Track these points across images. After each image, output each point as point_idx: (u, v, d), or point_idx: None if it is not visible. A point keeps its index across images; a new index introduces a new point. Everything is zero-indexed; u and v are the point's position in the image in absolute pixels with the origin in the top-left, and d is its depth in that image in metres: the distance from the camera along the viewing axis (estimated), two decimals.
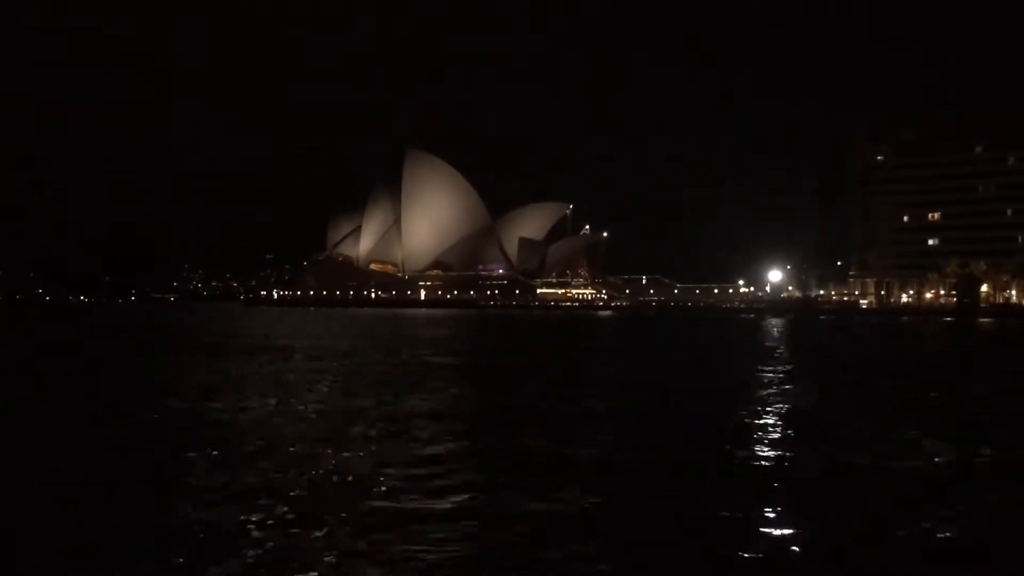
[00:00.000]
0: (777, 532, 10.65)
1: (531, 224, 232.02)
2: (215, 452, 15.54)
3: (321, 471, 13.76)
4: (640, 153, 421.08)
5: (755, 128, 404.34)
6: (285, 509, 11.46)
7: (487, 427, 19.18)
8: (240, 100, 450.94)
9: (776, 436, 17.79)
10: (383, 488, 12.66)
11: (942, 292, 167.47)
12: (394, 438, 17.21)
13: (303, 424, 19.07)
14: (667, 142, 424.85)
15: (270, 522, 10.85)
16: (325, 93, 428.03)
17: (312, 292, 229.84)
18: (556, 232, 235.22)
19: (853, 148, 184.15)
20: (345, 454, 15.38)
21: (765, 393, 25.44)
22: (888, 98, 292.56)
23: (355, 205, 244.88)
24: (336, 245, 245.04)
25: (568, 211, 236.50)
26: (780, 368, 34.88)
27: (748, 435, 17.70)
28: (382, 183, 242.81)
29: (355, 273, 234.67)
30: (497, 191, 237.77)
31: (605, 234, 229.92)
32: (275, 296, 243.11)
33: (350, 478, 13.43)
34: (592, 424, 19.57)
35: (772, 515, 11.38)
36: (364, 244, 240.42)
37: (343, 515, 11.11)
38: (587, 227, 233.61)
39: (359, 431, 18.10)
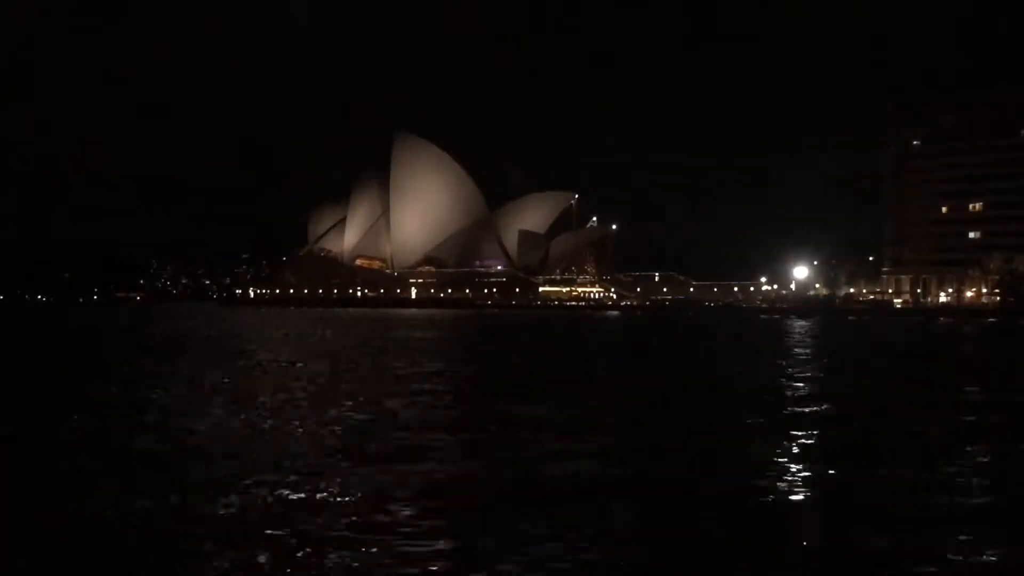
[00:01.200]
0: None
1: (532, 216, 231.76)
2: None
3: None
4: (652, 139, 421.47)
5: (781, 113, 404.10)
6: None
7: (483, 453, 19.09)
8: (233, 90, 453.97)
9: (798, 466, 17.72)
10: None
11: (984, 290, 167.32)
12: (366, 464, 17.07)
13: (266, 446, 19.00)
14: (682, 127, 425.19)
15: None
16: (325, 93, 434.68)
17: (292, 290, 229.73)
18: (560, 224, 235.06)
19: (888, 134, 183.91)
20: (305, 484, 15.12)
21: (785, 410, 25.33)
22: (925, 82, 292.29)
23: (339, 195, 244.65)
24: (318, 239, 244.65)
25: (573, 201, 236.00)
26: (802, 380, 34.76)
27: (767, 461, 17.62)
28: (369, 170, 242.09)
29: (339, 270, 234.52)
30: (495, 178, 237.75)
31: (614, 226, 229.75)
32: (252, 295, 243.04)
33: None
34: (600, 442, 19.44)
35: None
36: (349, 238, 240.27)
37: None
38: (594, 219, 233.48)
39: (324, 458, 17.92)
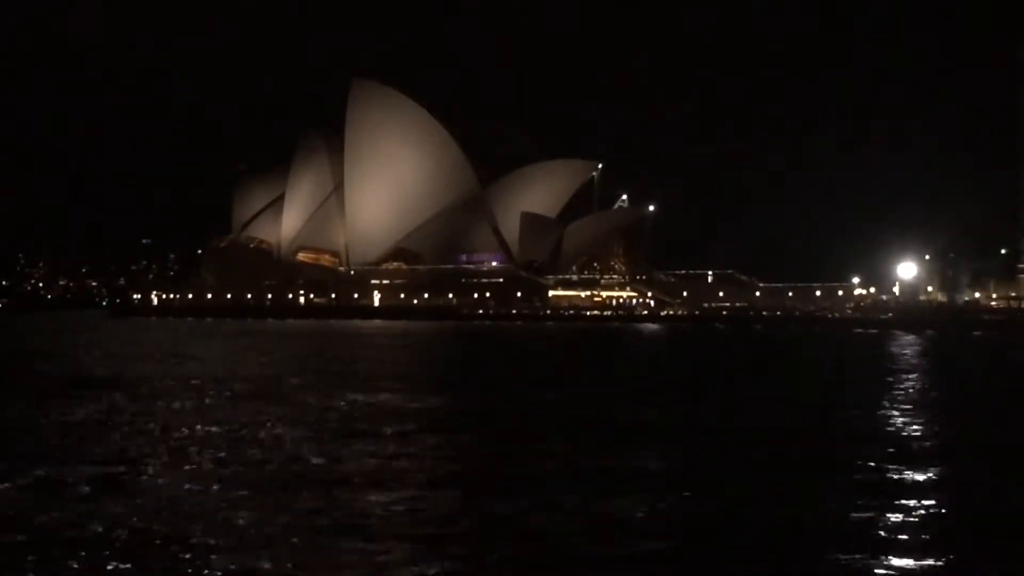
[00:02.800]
0: None
1: (540, 193, 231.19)
2: None
3: None
4: (703, 93, 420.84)
5: (881, 58, 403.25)
6: None
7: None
8: None
9: None
10: None
11: None
12: None
13: None
14: (742, 77, 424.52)
15: None
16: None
17: (210, 295, 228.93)
18: (578, 205, 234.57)
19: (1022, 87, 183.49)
20: None
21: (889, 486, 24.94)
22: None
23: (275, 165, 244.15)
24: (246, 225, 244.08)
25: (596, 173, 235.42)
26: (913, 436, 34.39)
27: None
28: (316, 132, 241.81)
29: (275, 267, 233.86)
30: (489, 141, 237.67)
31: (651, 208, 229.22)
32: (155, 301, 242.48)
33: None
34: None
35: None
36: (289, 223, 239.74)
37: None
38: (624, 197, 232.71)
39: None
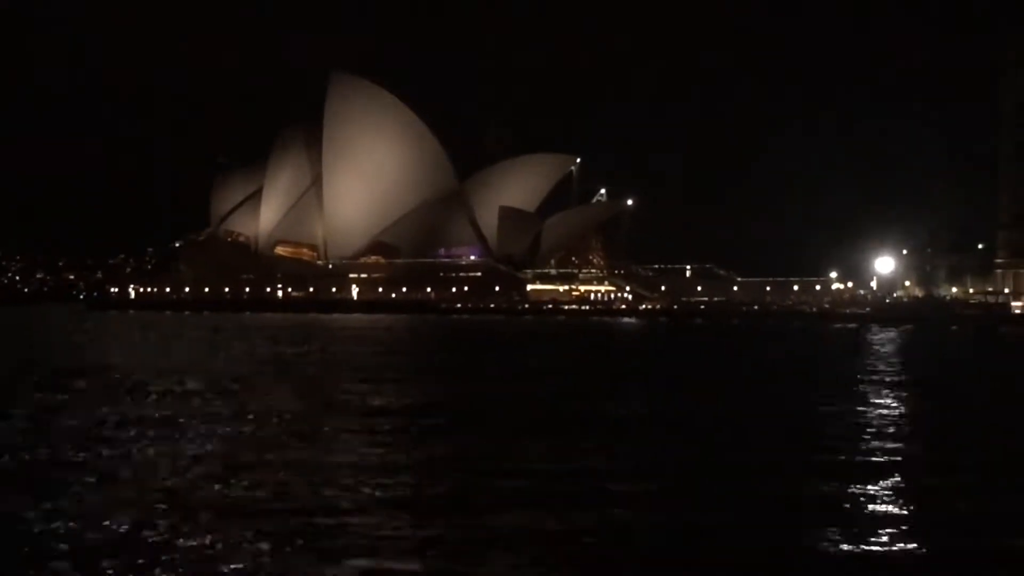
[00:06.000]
0: None
1: (519, 187, 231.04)
2: None
3: None
4: (681, 88, 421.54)
5: (861, 56, 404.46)
6: None
7: None
8: None
9: None
10: None
11: None
12: None
13: None
14: (723, 71, 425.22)
15: None
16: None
17: (188, 288, 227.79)
18: (556, 200, 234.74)
19: (1002, 83, 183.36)
20: None
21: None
22: None
23: (253, 158, 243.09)
24: (224, 219, 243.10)
25: (574, 168, 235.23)
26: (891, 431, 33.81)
27: None
28: (294, 125, 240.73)
29: (252, 260, 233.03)
30: (467, 135, 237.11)
31: (629, 202, 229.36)
32: (132, 295, 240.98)
33: None
34: None
35: None
36: (267, 217, 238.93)
37: None
38: (602, 191, 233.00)
39: None
